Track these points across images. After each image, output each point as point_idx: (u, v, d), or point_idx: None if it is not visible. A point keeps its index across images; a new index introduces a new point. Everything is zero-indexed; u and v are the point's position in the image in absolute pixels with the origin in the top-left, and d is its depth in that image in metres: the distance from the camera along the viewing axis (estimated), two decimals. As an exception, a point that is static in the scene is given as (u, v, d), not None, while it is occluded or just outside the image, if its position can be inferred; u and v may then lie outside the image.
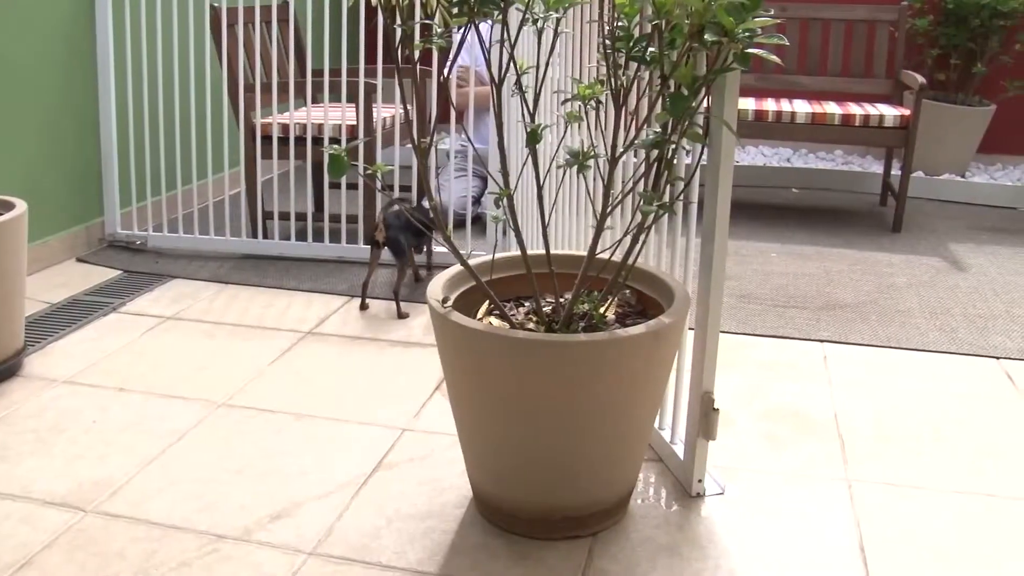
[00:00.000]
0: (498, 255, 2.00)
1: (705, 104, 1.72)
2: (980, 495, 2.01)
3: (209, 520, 1.86)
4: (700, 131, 1.70)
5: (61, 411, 2.30)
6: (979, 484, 2.05)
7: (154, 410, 2.32)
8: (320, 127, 3.48)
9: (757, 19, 1.51)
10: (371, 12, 3.13)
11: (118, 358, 2.62)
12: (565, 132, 2.56)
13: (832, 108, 4.15)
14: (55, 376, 2.49)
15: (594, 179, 2.28)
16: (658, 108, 1.69)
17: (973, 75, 4.83)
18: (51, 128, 3.33)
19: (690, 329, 1.96)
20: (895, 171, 4.56)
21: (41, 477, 2.01)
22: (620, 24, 1.67)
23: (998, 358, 2.73)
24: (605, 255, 1.87)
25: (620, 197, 1.99)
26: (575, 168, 1.73)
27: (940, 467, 2.12)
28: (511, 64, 1.70)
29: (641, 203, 1.70)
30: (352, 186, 3.92)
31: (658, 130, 1.68)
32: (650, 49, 1.65)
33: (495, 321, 1.86)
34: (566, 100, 1.82)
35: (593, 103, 1.76)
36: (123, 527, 1.83)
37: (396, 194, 3.47)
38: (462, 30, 1.71)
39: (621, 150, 1.76)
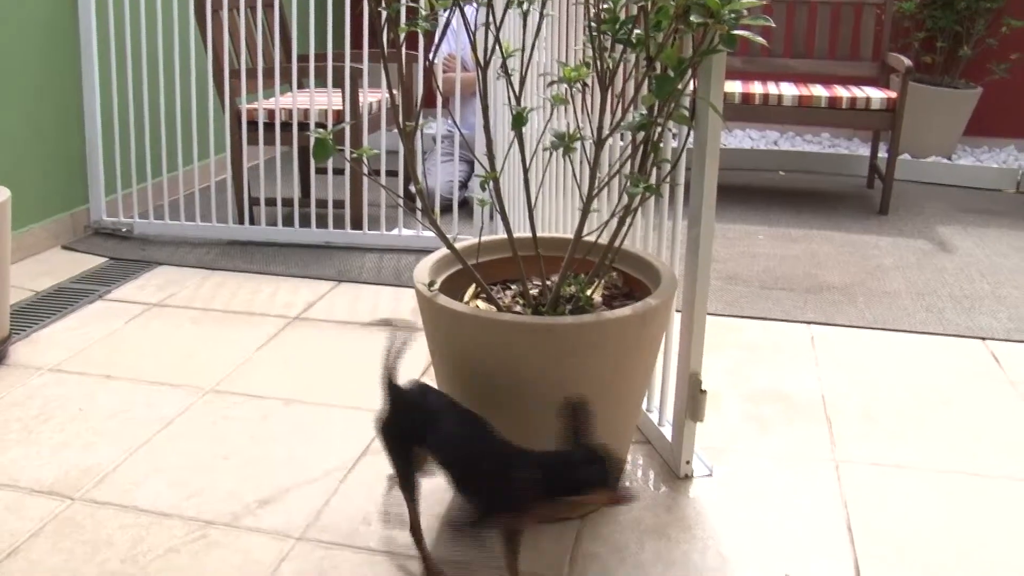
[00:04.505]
0: (484, 238, 1.99)
1: (691, 86, 1.72)
2: (966, 474, 2.02)
3: (197, 506, 1.86)
4: (686, 113, 1.69)
5: (47, 399, 2.29)
6: (965, 463, 2.07)
7: (141, 397, 2.31)
8: (306, 112, 3.46)
9: (743, 0, 1.51)
10: (356, -4, 3.11)
11: (104, 345, 2.60)
12: (551, 115, 2.55)
13: (819, 91, 4.15)
14: (41, 364, 2.48)
15: (580, 162, 2.27)
16: (644, 90, 1.69)
17: (959, 58, 4.84)
18: (34, 114, 3.30)
19: (677, 311, 1.96)
20: (882, 153, 4.57)
21: (28, 465, 2.00)
22: (606, 6, 1.66)
23: (984, 339, 2.74)
24: (592, 238, 1.87)
25: (606, 179, 1.98)
26: (561, 151, 1.72)
27: (927, 447, 2.13)
28: (496, 47, 1.69)
29: (627, 185, 1.70)
30: (338, 171, 3.91)
31: (644, 112, 1.68)
32: (636, 31, 1.64)
33: (482, 304, 1.86)
34: (552, 83, 1.82)
35: (579, 86, 1.75)
36: (111, 514, 1.83)
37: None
38: (447, 13, 1.70)
39: (607, 133, 1.75)
